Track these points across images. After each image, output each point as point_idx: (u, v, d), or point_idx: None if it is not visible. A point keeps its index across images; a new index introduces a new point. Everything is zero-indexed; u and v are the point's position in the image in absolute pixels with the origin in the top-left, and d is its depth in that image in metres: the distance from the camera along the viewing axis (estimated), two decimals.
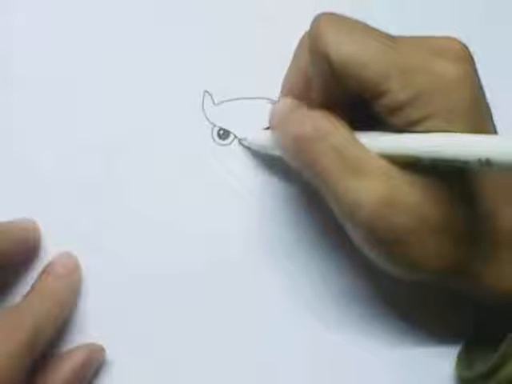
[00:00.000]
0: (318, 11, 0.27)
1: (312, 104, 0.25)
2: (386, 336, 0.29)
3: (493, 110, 0.25)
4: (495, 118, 0.25)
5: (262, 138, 0.29)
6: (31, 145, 0.30)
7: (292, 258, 0.30)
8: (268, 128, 0.28)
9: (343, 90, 0.24)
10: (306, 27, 0.26)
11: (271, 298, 0.29)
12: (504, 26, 0.33)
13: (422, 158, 0.22)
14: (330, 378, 0.29)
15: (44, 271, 0.28)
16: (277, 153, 0.28)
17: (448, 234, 0.24)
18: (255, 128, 0.30)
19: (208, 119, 0.31)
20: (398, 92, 0.23)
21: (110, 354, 0.29)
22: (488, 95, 0.25)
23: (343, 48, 0.23)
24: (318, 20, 0.24)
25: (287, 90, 0.27)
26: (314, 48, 0.24)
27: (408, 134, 0.23)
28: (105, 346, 0.28)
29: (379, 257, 0.25)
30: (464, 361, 0.28)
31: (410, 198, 0.23)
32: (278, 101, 0.27)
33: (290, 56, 0.27)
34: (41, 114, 0.30)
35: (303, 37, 0.26)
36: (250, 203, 0.30)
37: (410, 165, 0.23)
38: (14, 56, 0.31)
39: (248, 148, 0.30)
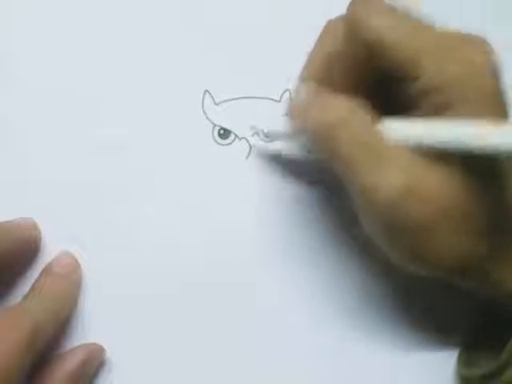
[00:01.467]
0: (319, 11, 0.27)
1: (335, 90, 0.25)
2: (387, 336, 0.29)
3: None
4: None
5: (280, 129, 0.29)
6: (31, 145, 0.30)
7: (294, 258, 0.30)
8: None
9: (374, 71, 0.24)
10: (307, 27, 0.26)
11: (273, 299, 0.29)
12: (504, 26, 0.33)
13: (445, 146, 0.22)
14: (331, 378, 0.29)
15: (44, 271, 0.28)
16: (295, 142, 0.28)
17: (468, 227, 0.23)
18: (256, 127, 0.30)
19: (208, 119, 0.31)
20: (432, 74, 0.23)
21: (110, 354, 0.29)
22: None
23: (381, 28, 0.24)
24: (357, 3, 0.25)
25: (309, 74, 0.27)
26: (352, 30, 0.24)
27: (432, 122, 0.23)
28: (105, 346, 0.28)
29: (395, 248, 0.24)
30: (465, 361, 0.28)
31: (431, 188, 0.23)
32: (299, 86, 0.27)
33: (291, 56, 0.27)
34: (40, 113, 0.30)
35: (330, 22, 0.27)
36: (251, 203, 0.30)
37: (434, 154, 0.23)
38: (14, 56, 0.31)
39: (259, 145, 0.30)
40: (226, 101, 0.31)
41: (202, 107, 0.31)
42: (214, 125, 0.31)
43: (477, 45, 0.24)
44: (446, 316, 0.29)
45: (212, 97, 0.31)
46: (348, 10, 0.25)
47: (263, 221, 0.30)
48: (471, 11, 0.32)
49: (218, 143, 0.30)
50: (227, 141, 0.31)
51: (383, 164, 0.23)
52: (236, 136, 0.31)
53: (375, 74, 0.24)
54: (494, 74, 0.23)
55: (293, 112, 0.27)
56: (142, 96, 0.31)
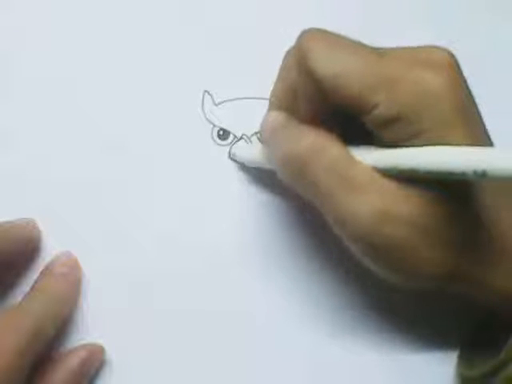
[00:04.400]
0: (318, 11, 0.27)
1: (301, 118, 0.25)
2: (387, 336, 0.29)
3: (491, 115, 0.25)
4: (494, 120, 0.25)
5: (252, 152, 0.29)
6: (31, 145, 0.30)
7: (290, 263, 0.30)
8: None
9: (331, 104, 0.24)
10: (307, 27, 0.26)
11: (269, 302, 0.29)
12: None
13: (416, 171, 0.22)
14: (331, 378, 0.29)
15: (44, 271, 0.28)
16: (268, 167, 0.28)
17: (446, 243, 0.24)
18: (255, 128, 0.30)
19: (208, 119, 0.31)
20: (385, 107, 0.23)
21: (109, 353, 0.29)
22: (484, 102, 0.25)
23: (329, 64, 0.23)
24: (304, 36, 0.24)
25: (275, 105, 0.27)
26: (300, 64, 0.24)
27: (401, 149, 0.23)
28: (105, 346, 0.28)
29: (378, 268, 0.25)
30: (465, 360, 0.28)
31: (406, 210, 0.23)
32: (267, 115, 0.27)
33: None
34: (40, 113, 0.30)
35: (289, 51, 0.26)
36: (251, 203, 0.30)
37: (405, 177, 0.23)
38: (15, 56, 0.31)
39: (239, 162, 0.30)
40: (225, 101, 0.31)
41: (202, 108, 0.31)
42: (214, 125, 0.31)
43: (436, 64, 0.23)
44: (445, 316, 0.29)
45: (212, 97, 0.31)
46: (296, 42, 0.24)
47: (263, 221, 0.30)
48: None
49: (217, 144, 0.30)
50: (226, 141, 0.31)
51: (357, 190, 0.23)
52: (235, 137, 0.31)
53: (335, 106, 0.24)
54: (457, 93, 0.23)
55: (263, 137, 0.27)
56: (141, 96, 0.31)
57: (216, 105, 0.31)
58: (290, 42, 0.26)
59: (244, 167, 0.30)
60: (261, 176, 0.30)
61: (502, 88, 0.31)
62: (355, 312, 0.30)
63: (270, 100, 0.28)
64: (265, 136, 0.27)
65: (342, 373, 0.29)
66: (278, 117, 0.26)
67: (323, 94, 0.23)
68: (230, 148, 0.30)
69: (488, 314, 0.28)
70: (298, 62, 0.24)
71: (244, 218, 0.30)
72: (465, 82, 0.24)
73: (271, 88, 0.28)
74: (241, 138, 0.30)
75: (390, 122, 0.23)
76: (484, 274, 0.25)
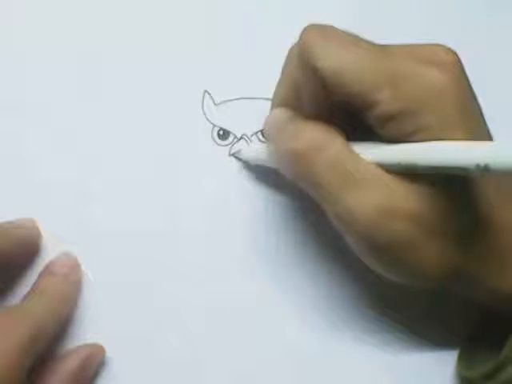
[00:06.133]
0: (318, 11, 0.27)
1: (304, 115, 0.25)
2: (387, 336, 0.29)
3: (492, 113, 0.25)
4: (495, 119, 0.25)
5: (255, 150, 0.29)
6: (31, 145, 0.30)
7: (290, 260, 0.30)
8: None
9: (334, 101, 0.24)
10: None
11: (271, 301, 0.30)
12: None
13: (419, 166, 0.22)
14: (331, 379, 0.29)
15: (44, 271, 0.28)
16: (271, 165, 0.28)
17: (448, 239, 0.24)
18: (255, 128, 0.30)
19: (208, 119, 0.31)
20: (388, 103, 0.23)
21: (110, 353, 0.29)
22: (485, 99, 0.25)
23: (332, 60, 0.23)
24: (307, 32, 0.24)
25: (278, 102, 0.27)
26: (303, 60, 0.24)
27: (403, 144, 0.23)
28: (105, 346, 0.28)
29: (379, 266, 0.25)
30: (465, 361, 0.28)
31: (408, 205, 0.23)
32: (271, 112, 0.27)
33: None
34: (40, 113, 0.30)
35: (291, 48, 0.26)
36: (251, 203, 0.30)
37: (407, 173, 0.23)
38: (15, 55, 0.31)
39: (241, 160, 0.30)
40: (225, 101, 0.31)
41: (202, 108, 0.31)
42: (214, 125, 0.31)
43: (439, 62, 0.23)
44: (445, 316, 0.30)
45: (212, 97, 0.31)
46: (300, 37, 0.24)
47: (263, 220, 0.30)
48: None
49: (217, 144, 0.30)
50: (227, 141, 0.31)
51: (359, 186, 0.23)
52: (235, 137, 0.31)
53: (338, 103, 0.24)
54: (460, 90, 0.23)
55: (267, 134, 0.27)
56: (141, 96, 0.30)
57: (216, 105, 0.31)
58: (290, 41, 0.26)
59: (246, 166, 0.30)
60: (261, 176, 0.30)
61: (502, 88, 0.31)
62: (354, 312, 0.30)
63: (273, 98, 0.28)
64: (269, 133, 0.27)
65: (341, 373, 0.29)
66: (281, 113, 0.26)
67: (326, 91, 0.23)
68: (231, 148, 0.30)
69: (488, 314, 0.28)
70: (301, 58, 0.24)
71: (244, 217, 0.30)
72: (468, 80, 0.24)
73: (271, 88, 0.28)
74: (241, 138, 0.30)
75: (393, 117, 0.23)
76: (485, 273, 0.25)
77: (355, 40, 0.24)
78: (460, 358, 0.28)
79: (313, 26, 0.24)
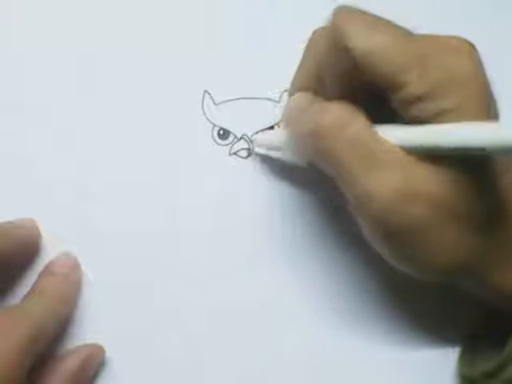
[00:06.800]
0: (318, 11, 0.27)
1: (326, 99, 0.25)
2: (389, 336, 0.29)
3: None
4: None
5: (269, 137, 0.29)
6: (31, 145, 0.30)
7: (292, 256, 0.30)
8: (271, 128, 0.28)
9: (361, 82, 0.24)
10: (307, 27, 0.26)
11: (276, 299, 0.29)
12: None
13: (442, 148, 0.22)
14: (331, 377, 0.29)
15: (44, 271, 0.28)
16: (284, 152, 0.28)
17: (465, 225, 0.23)
18: (255, 128, 0.30)
19: (208, 119, 0.31)
20: (416, 85, 0.23)
21: (109, 353, 0.29)
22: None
23: (364, 40, 0.23)
24: (339, 13, 0.24)
25: (299, 87, 0.27)
26: (334, 40, 0.24)
27: (426, 126, 0.23)
28: (105, 346, 0.28)
29: (390, 253, 0.25)
30: (467, 359, 0.28)
31: (428, 188, 0.23)
32: (292, 97, 0.27)
33: (291, 56, 0.27)
34: (40, 113, 0.30)
35: (317, 30, 0.26)
36: (250, 203, 0.30)
37: (429, 155, 0.23)
38: (15, 55, 0.31)
39: (251, 149, 0.30)
40: (225, 101, 0.31)
41: (202, 107, 0.31)
42: (214, 125, 0.31)
43: (465, 51, 0.24)
44: (446, 315, 0.29)
45: (212, 97, 0.31)
46: (330, 20, 0.25)
47: (263, 220, 0.30)
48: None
49: (217, 143, 0.30)
50: (227, 141, 0.31)
51: (380, 167, 0.23)
52: (235, 136, 0.31)
53: (366, 84, 0.24)
54: (483, 80, 0.23)
55: (288, 118, 0.27)
56: (141, 96, 0.31)
57: (216, 105, 0.31)
58: (291, 41, 0.26)
59: (247, 163, 0.30)
60: (261, 176, 0.30)
61: (504, 87, 0.31)
62: (356, 310, 0.30)
63: (292, 84, 0.28)
64: (289, 117, 0.27)
65: (342, 371, 0.29)
66: (303, 96, 0.26)
67: (355, 72, 0.24)
68: (231, 148, 0.30)
69: (490, 312, 0.28)
70: (333, 38, 0.24)
71: (244, 217, 0.30)
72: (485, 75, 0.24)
73: (271, 88, 0.28)
74: (241, 138, 0.30)
75: (419, 99, 0.23)
76: (496, 270, 0.24)
77: (385, 22, 0.24)
78: (462, 357, 0.28)
79: (344, 8, 0.25)
